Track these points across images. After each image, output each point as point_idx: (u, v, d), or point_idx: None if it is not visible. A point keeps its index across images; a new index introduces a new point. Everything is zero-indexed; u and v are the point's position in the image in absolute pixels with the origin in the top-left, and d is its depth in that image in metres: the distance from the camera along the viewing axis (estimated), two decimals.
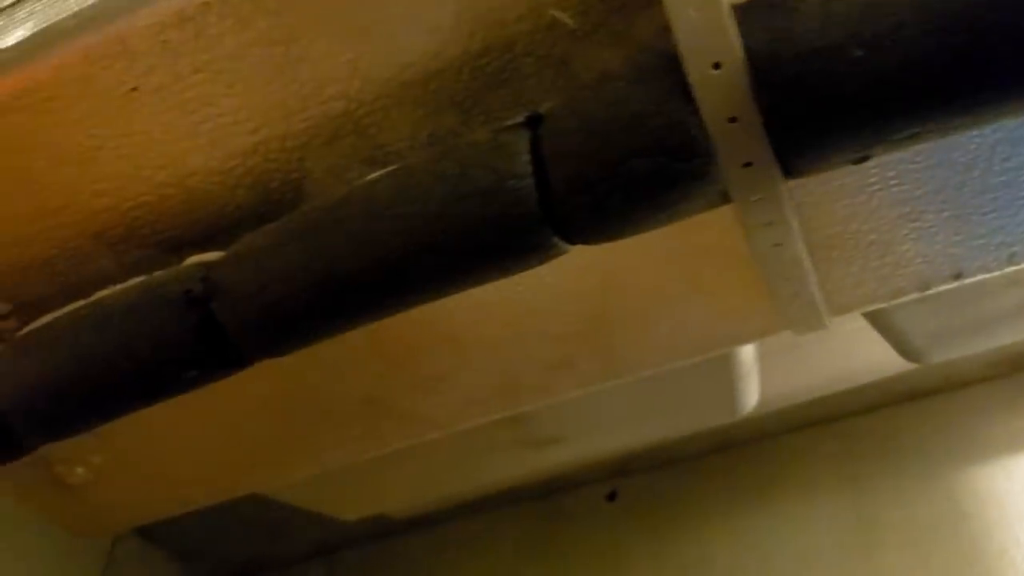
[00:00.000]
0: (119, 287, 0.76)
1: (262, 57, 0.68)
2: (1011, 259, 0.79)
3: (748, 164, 0.59)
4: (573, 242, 0.64)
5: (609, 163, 0.58)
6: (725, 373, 1.06)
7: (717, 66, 0.56)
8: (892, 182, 0.76)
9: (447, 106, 0.70)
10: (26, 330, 0.79)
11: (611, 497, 2.41)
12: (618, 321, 0.88)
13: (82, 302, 0.78)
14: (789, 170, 0.60)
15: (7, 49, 0.70)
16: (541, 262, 0.64)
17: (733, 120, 0.57)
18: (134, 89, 0.70)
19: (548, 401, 0.98)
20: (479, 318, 0.90)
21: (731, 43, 0.56)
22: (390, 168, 0.67)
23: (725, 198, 0.62)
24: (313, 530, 2.71)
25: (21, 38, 0.69)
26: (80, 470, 1.06)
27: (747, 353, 1.04)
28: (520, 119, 0.64)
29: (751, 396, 1.14)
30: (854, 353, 1.29)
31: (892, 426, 2.07)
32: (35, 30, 0.69)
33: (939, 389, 2.02)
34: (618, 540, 2.30)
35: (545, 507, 2.44)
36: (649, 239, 0.79)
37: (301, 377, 0.94)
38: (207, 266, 0.72)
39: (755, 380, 1.09)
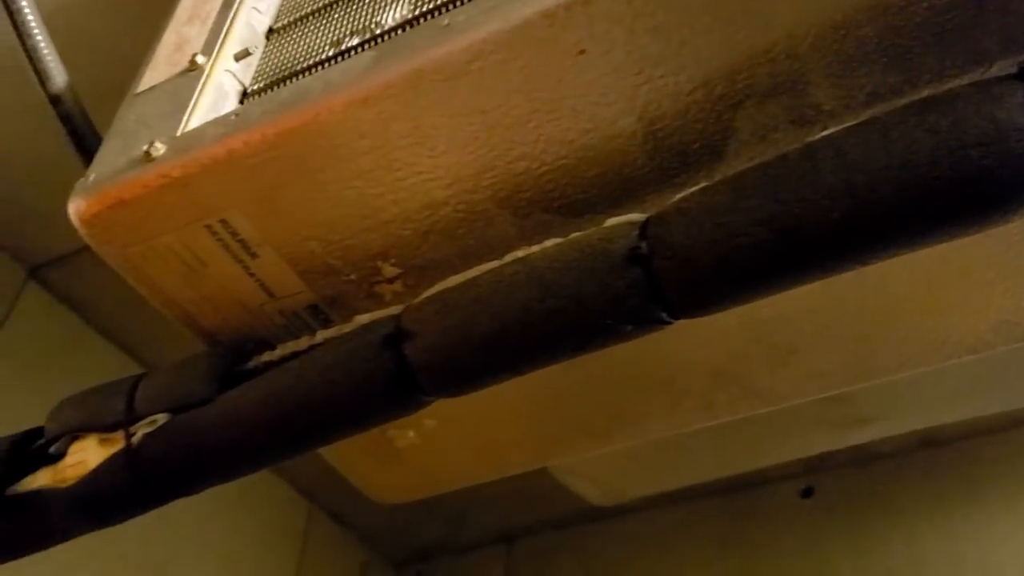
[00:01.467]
0: (539, 247, 0.78)
1: (715, 16, 0.69)
2: None
3: None
4: None
5: None
6: None
7: None
8: None
9: (896, 62, 0.70)
10: (439, 288, 0.82)
11: (806, 494, 2.37)
12: (1012, 290, 0.86)
13: (496, 262, 0.81)
14: None
15: (473, 5, 0.73)
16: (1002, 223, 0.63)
17: None
18: (582, 52, 0.72)
19: (896, 377, 0.96)
20: (846, 285, 0.89)
21: None
22: (856, 122, 0.66)
23: None
24: (493, 517, 2.76)
25: None
26: (411, 434, 1.10)
27: None
28: (1012, 70, 0.63)
29: None
30: None
31: None
32: None
33: None
34: (816, 538, 2.25)
35: (735, 503, 2.41)
36: None
37: (656, 345, 0.95)
38: (639, 225, 0.73)
39: None
